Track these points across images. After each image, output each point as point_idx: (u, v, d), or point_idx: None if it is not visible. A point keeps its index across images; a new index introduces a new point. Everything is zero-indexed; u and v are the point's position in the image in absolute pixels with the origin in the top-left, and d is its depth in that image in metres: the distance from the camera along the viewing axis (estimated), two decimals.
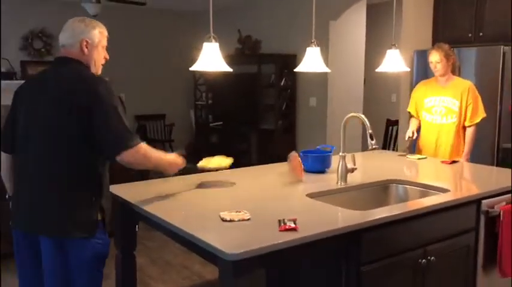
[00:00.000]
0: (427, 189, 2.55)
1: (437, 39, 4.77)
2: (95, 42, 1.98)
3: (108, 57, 2.07)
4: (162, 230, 2.05)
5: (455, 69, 3.60)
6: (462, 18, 4.53)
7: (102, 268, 2.00)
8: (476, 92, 3.46)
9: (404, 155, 3.42)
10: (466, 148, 3.45)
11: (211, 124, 8.02)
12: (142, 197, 2.22)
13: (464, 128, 3.47)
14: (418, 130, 3.64)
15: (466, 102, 3.42)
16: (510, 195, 2.53)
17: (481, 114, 3.45)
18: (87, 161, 1.89)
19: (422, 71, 4.68)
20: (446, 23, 4.70)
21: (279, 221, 1.84)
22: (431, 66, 3.47)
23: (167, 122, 8.47)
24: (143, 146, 1.94)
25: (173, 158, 2.16)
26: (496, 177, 3.00)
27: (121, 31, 7.52)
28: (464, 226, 2.39)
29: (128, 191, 2.33)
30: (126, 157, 1.86)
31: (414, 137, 3.60)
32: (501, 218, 2.44)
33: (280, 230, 1.77)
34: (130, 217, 2.27)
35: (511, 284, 2.63)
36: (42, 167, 1.89)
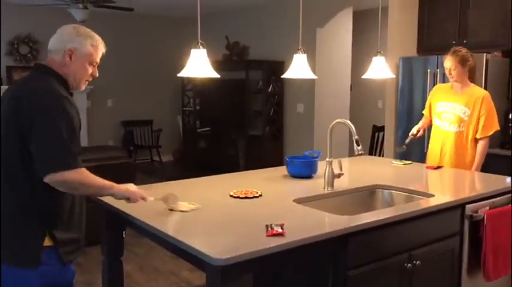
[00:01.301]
0: (412, 194, 2.58)
1: (422, 46, 4.85)
2: (82, 54, 1.81)
3: (97, 74, 1.90)
4: (149, 237, 2.04)
5: (474, 75, 3.32)
6: (446, 26, 4.61)
7: None
8: (492, 103, 3.27)
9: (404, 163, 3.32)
10: (476, 161, 3.27)
11: (199, 130, 8.02)
12: (129, 203, 2.20)
13: (473, 138, 3.28)
14: (425, 129, 3.50)
15: (479, 113, 3.24)
16: (492, 200, 2.58)
17: (495, 127, 3.27)
18: (28, 184, 1.72)
19: (407, 78, 4.75)
20: (430, 30, 4.77)
21: (267, 226, 1.85)
22: (446, 72, 3.31)
23: (155, 128, 8.45)
24: (82, 172, 1.74)
25: (126, 188, 1.94)
26: (479, 182, 3.04)
27: (108, 37, 7.41)
28: (448, 231, 2.42)
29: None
30: (56, 178, 1.68)
31: (418, 135, 3.48)
32: (485, 223, 2.47)
33: (267, 235, 1.78)
34: (117, 223, 2.26)
35: (511, 284, 2.68)
36: None
